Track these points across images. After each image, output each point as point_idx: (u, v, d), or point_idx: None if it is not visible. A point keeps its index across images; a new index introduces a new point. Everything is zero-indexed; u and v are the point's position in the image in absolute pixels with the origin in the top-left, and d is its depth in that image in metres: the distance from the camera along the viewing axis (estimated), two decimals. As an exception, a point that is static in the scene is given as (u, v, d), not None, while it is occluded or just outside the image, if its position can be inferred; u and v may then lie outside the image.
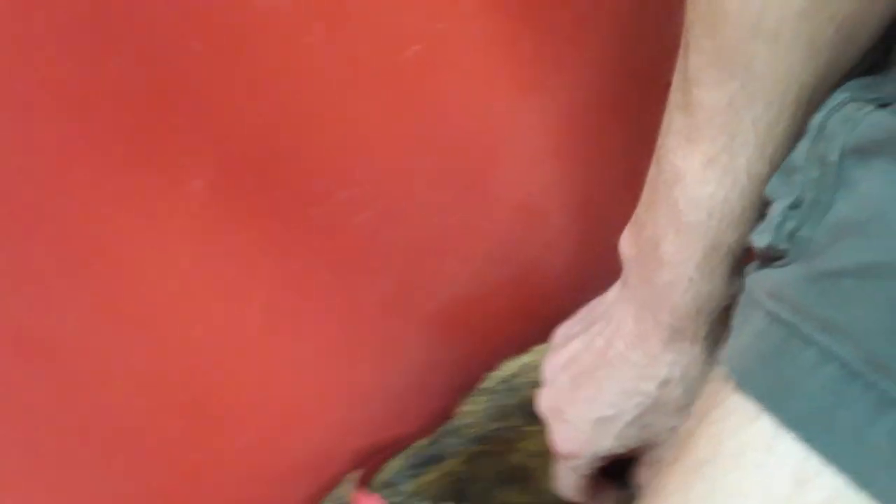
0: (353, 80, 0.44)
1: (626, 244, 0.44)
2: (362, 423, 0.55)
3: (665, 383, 0.43)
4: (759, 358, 0.28)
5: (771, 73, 0.32)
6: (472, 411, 0.54)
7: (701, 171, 0.36)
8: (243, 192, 0.43)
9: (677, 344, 0.42)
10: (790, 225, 0.32)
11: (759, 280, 0.33)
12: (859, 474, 0.24)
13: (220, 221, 0.43)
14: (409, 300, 0.54)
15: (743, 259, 0.40)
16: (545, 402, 0.48)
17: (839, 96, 0.32)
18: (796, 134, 0.34)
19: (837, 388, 0.25)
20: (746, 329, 0.31)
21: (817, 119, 0.32)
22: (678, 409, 0.44)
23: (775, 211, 0.33)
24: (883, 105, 0.30)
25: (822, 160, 0.31)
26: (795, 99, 0.33)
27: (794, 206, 0.32)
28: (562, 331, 0.51)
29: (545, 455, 0.50)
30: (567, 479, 0.49)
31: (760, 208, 0.37)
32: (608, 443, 0.45)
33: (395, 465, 0.52)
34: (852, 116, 0.30)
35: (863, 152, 0.29)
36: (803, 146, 0.32)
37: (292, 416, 0.52)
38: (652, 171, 0.40)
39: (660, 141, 0.38)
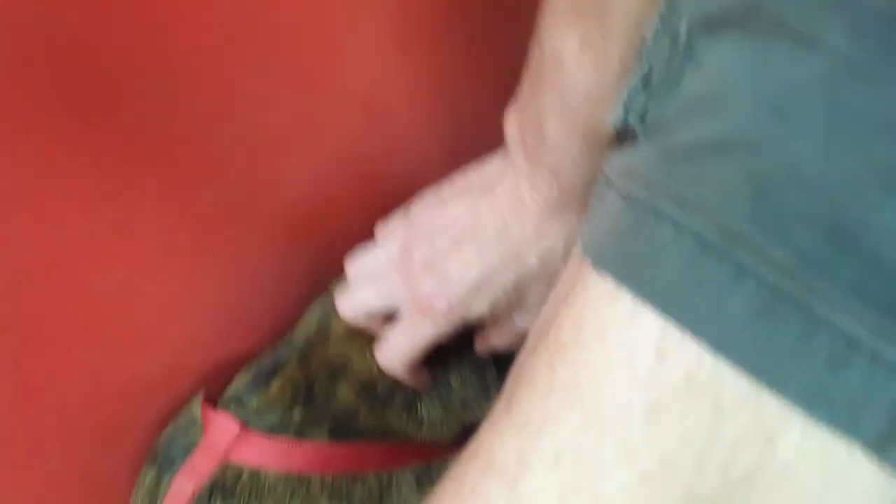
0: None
1: (511, 122, 0.44)
2: (210, 337, 0.52)
3: (547, 255, 0.45)
4: (615, 237, 0.28)
5: None
6: (308, 320, 0.52)
7: (577, 53, 0.36)
8: (35, 89, 0.37)
9: (563, 217, 0.44)
10: (639, 102, 0.31)
11: (612, 161, 0.32)
12: (717, 342, 0.24)
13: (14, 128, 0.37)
14: (250, 204, 0.51)
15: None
16: (419, 258, 0.48)
17: None
18: None
19: (694, 261, 0.25)
20: (601, 209, 0.30)
21: None
22: (552, 281, 0.44)
23: (625, 85, 0.32)
24: (729, -25, 0.30)
25: (672, 35, 0.30)
26: None
27: (644, 83, 0.31)
28: (427, 196, 0.51)
29: (355, 339, 0.50)
30: (400, 347, 0.49)
31: None
32: (480, 306, 0.46)
33: (241, 381, 0.50)
34: None
35: (711, 24, 0.29)
36: (655, 20, 0.31)
37: (133, 333, 0.48)
38: (535, 53, 0.39)
39: (541, 21, 0.38)
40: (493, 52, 0.60)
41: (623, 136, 0.33)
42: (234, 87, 0.45)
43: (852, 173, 0.24)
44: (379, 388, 0.50)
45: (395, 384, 0.50)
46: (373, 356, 0.50)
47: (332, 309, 0.51)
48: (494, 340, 0.51)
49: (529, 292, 0.47)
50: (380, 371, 0.49)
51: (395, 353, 0.49)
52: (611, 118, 0.33)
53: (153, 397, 0.50)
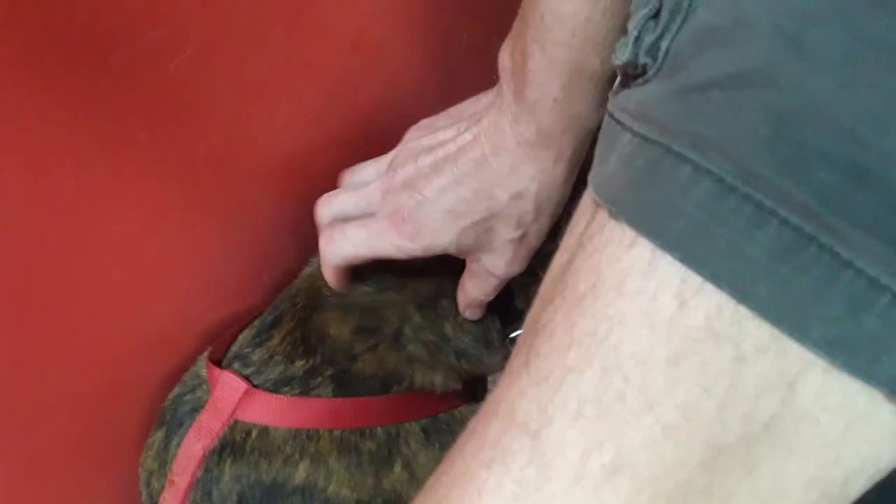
0: None
1: (504, 55, 0.43)
2: (211, 293, 0.52)
3: (518, 196, 0.44)
4: (630, 182, 0.27)
5: None
6: (308, 273, 0.52)
7: None
8: (25, 37, 0.35)
9: (539, 161, 0.43)
10: (649, 37, 0.30)
11: (621, 101, 0.31)
12: (738, 288, 0.24)
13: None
14: (245, 153, 0.49)
15: (611, 83, 0.39)
16: (400, 176, 0.47)
17: None
18: None
19: (712, 205, 0.24)
20: (612, 154, 0.29)
21: None
22: (521, 223, 0.45)
23: (633, 21, 0.31)
24: None
25: None
26: None
27: (652, 15, 0.30)
28: (424, 122, 0.51)
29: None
30: (352, 245, 0.48)
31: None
32: (447, 238, 0.46)
33: (244, 338, 0.50)
34: None
35: None
36: None
37: (131, 291, 0.47)
38: None
39: None
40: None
41: (628, 75, 0.32)
42: (223, 30, 0.43)
43: (872, 106, 0.23)
44: (368, 320, 0.50)
45: (381, 316, 0.50)
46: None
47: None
48: (470, 289, 0.51)
49: (496, 232, 0.46)
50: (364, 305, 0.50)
51: (345, 248, 0.48)
52: (617, 54, 0.32)
53: (157, 357, 0.50)
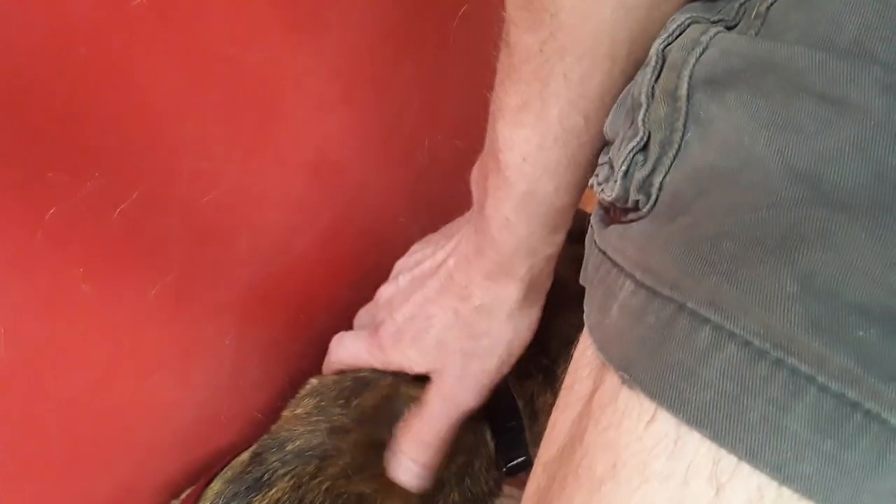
0: (89, 34, 0.33)
1: (474, 169, 0.43)
2: (175, 441, 0.47)
3: (476, 309, 0.44)
4: (642, 343, 0.24)
5: (580, 25, 0.30)
6: (297, 415, 0.47)
7: (516, 112, 0.35)
8: None
9: (497, 276, 0.42)
10: (639, 172, 0.28)
11: (614, 239, 0.28)
12: (780, 468, 0.21)
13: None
14: (202, 290, 0.46)
15: (568, 211, 0.39)
16: (384, 293, 0.50)
17: (679, 18, 0.27)
18: (616, 92, 0.33)
19: (740, 372, 0.22)
20: (614, 304, 0.27)
21: (657, 46, 0.27)
22: (474, 335, 0.45)
23: (620, 156, 0.28)
24: (729, 27, 0.27)
25: (670, 94, 0.27)
26: (609, 54, 0.31)
27: (641, 148, 0.28)
28: (427, 237, 0.52)
29: (384, 483, 0.45)
30: (346, 352, 0.50)
31: (588, 164, 0.36)
32: (413, 353, 0.46)
33: (216, 489, 0.45)
34: (697, 40, 0.26)
35: (715, 84, 0.25)
36: (643, 78, 0.28)
37: (89, 446, 0.42)
38: (492, 100, 0.38)
39: (497, 72, 0.37)
40: (444, 90, 0.56)
41: (618, 209, 0.29)
42: (173, 169, 0.40)
43: None
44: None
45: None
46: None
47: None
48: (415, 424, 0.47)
49: (450, 345, 0.46)
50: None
51: (340, 353, 0.50)
52: (603, 189, 0.29)
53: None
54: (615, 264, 0.27)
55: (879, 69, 0.22)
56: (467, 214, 0.48)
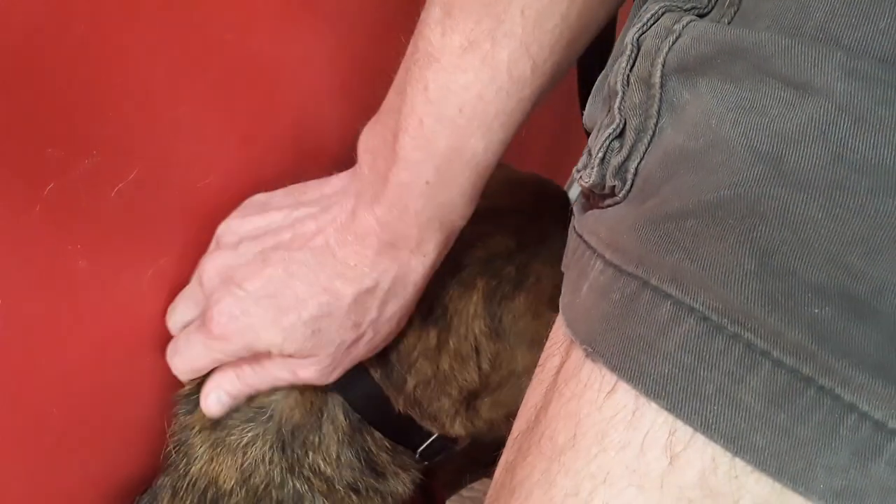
0: (89, 13, 0.34)
1: (367, 134, 0.38)
2: (166, 420, 0.48)
3: (366, 291, 0.39)
4: (606, 318, 0.25)
5: None
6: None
7: (459, 55, 0.32)
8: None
9: (396, 251, 0.38)
10: (615, 158, 0.28)
11: (590, 223, 0.29)
12: (733, 439, 0.22)
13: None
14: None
15: (486, 177, 0.36)
16: (214, 265, 0.42)
17: (652, 7, 0.28)
18: (568, 43, 0.31)
19: (698, 346, 0.22)
20: (584, 283, 0.27)
21: (631, 35, 0.28)
22: (358, 325, 0.40)
23: (597, 143, 0.29)
24: (702, 15, 0.27)
25: (644, 82, 0.27)
26: None
27: (617, 135, 0.28)
28: (259, 197, 0.45)
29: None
30: (188, 360, 0.43)
31: (519, 124, 0.34)
32: (271, 336, 0.39)
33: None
34: (671, 29, 0.27)
35: (687, 70, 0.26)
36: (619, 66, 0.29)
37: (83, 422, 0.43)
38: (409, 50, 0.35)
39: (423, 14, 0.34)
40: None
41: (595, 195, 0.30)
42: (172, 149, 0.41)
43: (862, 233, 0.21)
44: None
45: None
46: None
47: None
48: (250, 377, 0.43)
49: (325, 333, 0.39)
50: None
51: (181, 363, 0.43)
52: (582, 175, 0.30)
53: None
54: (588, 246, 0.28)
55: (843, 54, 0.22)
56: (330, 180, 0.43)
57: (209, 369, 0.43)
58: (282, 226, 0.41)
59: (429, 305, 0.43)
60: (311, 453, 0.44)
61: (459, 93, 0.32)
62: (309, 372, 0.41)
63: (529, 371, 0.43)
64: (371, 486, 0.46)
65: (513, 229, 0.45)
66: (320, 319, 0.38)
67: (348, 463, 0.45)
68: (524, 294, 0.44)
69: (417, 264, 0.38)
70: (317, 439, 0.44)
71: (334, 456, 0.45)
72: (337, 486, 0.45)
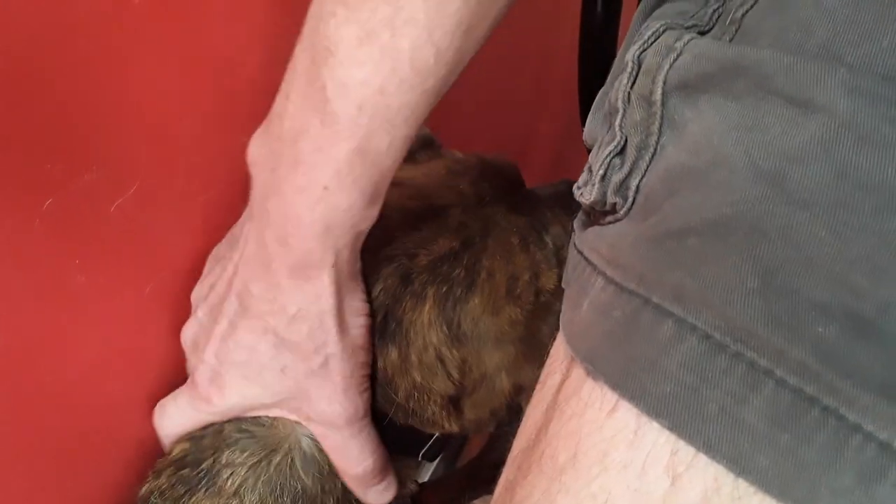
0: (90, 28, 0.34)
1: (256, 144, 0.36)
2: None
3: (294, 318, 0.37)
4: (607, 336, 0.25)
5: None
6: None
7: (356, 47, 0.30)
8: None
9: (303, 271, 0.36)
10: (616, 175, 0.28)
11: (591, 240, 0.29)
12: (736, 460, 0.21)
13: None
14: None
15: (389, 175, 0.35)
16: (187, 334, 0.42)
17: (653, 25, 0.28)
18: (469, 28, 0.30)
19: (699, 365, 0.22)
20: (585, 300, 0.27)
21: (632, 53, 0.28)
22: (315, 347, 0.38)
23: (598, 160, 0.29)
24: (703, 33, 0.27)
25: (645, 99, 0.27)
26: None
27: (618, 152, 0.28)
28: (213, 251, 0.44)
29: None
30: (176, 423, 0.42)
31: (422, 118, 0.32)
32: (250, 392, 0.39)
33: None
34: (672, 46, 0.27)
35: (688, 88, 0.26)
36: (620, 84, 0.29)
37: (79, 439, 0.43)
38: (300, 44, 0.33)
39: (313, 6, 0.32)
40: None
41: (596, 212, 0.30)
42: (171, 166, 0.41)
43: (866, 252, 0.21)
44: None
45: None
46: None
47: None
48: (342, 464, 0.42)
49: (292, 368, 0.38)
50: None
51: (168, 426, 0.43)
52: (582, 192, 0.30)
53: None
54: (589, 263, 0.28)
55: (846, 72, 0.22)
56: (243, 216, 0.41)
57: (189, 432, 0.43)
58: (220, 278, 0.40)
59: (384, 320, 0.42)
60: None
61: (358, 89, 0.30)
62: (330, 410, 0.40)
63: (500, 369, 0.43)
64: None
65: (455, 227, 0.44)
66: (280, 356, 0.38)
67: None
68: (478, 294, 0.43)
69: (328, 278, 0.36)
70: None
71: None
72: None
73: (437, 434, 0.47)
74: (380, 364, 0.43)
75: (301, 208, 0.33)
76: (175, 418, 0.42)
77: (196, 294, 0.42)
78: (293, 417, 0.41)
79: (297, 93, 0.32)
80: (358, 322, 0.39)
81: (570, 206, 0.45)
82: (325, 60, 0.30)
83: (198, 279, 0.45)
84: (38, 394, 0.40)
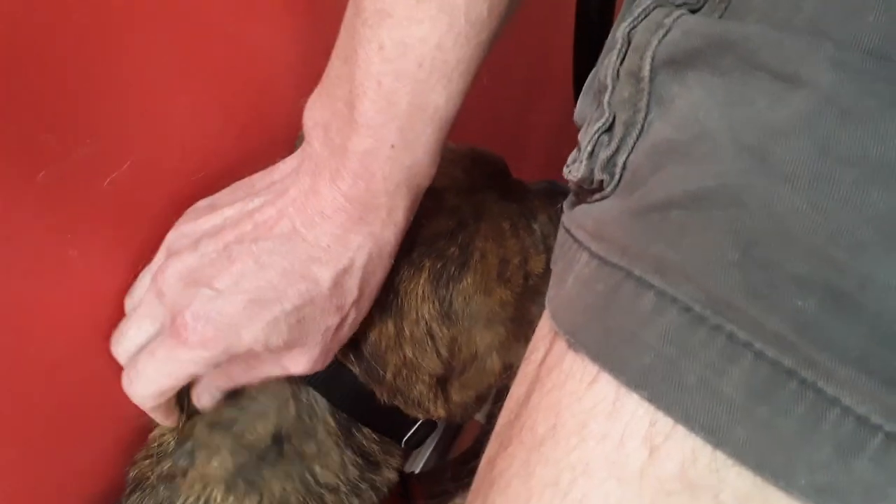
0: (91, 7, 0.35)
1: (314, 109, 0.37)
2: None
3: (343, 271, 0.37)
4: (589, 309, 0.25)
5: None
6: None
7: (414, 6, 0.31)
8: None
9: (368, 226, 0.37)
10: (604, 152, 0.28)
11: (578, 217, 0.29)
12: (714, 431, 0.21)
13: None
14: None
15: (448, 130, 0.35)
16: (175, 271, 0.38)
17: (644, 2, 0.28)
18: None
19: (679, 336, 0.22)
20: (570, 276, 0.27)
21: (622, 30, 0.28)
22: (341, 307, 0.38)
23: (586, 137, 0.29)
24: (693, 10, 0.27)
25: (633, 76, 0.27)
26: None
27: (606, 129, 0.28)
28: (202, 202, 0.42)
29: None
30: (153, 380, 0.39)
31: (476, 71, 0.34)
32: (252, 334, 0.37)
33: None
34: (661, 23, 0.27)
35: (676, 64, 0.26)
36: (609, 61, 0.29)
37: (70, 412, 0.43)
38: (349, 14, 0.34)
39: None
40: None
41: (584, 189, 0.30)
42: (165, 142, 0.41)
43: (847, 226, 0.21)
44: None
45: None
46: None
47: None
48: (239, 377, 0.41)
49: (310, 321, 0.38)
50: None
51: (147, 387, 0.39)
52: (570, 170, 0.30)
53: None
54: (575, 239, 0.28)
55: (832, 46, 0.22)
56: (279, 166, 0.41)
57: (177, 389, 0.40)
58: (240, 218, 0.38)
59: (384, 291, 0.42)
60: (317, 467, 0.44)
61: (417, 46, 0.31)
62: (300, 364, 0.39)
63: (492, 349, 0.44)
64: (370, 480, 0.46)
65: (450, 208, 0.45)
66: (303, 308, 0.37)
67: (352, 462, 0.45)
68: (471, 273, 0.43)
69: (390, 235, 0.37)
70: (315, 448, 0.44)
71: (338, 462, 0.44)
72: (342, 492, 0.45)
73: (421, 419, 0.47)
74: (372, 338, 0.43)
75: (372, 167, 0.35)
76: (152, 378, 0.38)
77: (184, 233, 0.40)
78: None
79: (352, 56, 0.33)
80: (377, 288, 0.40)
81: (555, 200, 0.47)
82: (382, 21, 0.31)
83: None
84: (28, 367, 0.40)
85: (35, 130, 0.35)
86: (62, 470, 0.45)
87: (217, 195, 0.42)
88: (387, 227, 0.37)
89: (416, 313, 0.42)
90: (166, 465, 0.44)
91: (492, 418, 0.47)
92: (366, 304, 0.40)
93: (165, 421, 0.43)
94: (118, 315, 0.44)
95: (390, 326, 0.43)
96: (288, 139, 0.48)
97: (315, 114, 0.37)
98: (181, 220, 0.41)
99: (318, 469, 0.44)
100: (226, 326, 0.36)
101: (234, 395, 0.44)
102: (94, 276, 0.41)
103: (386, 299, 0.42)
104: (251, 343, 0.37)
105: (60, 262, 0.39)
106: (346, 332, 0.40)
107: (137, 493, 0.45)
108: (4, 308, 0.37)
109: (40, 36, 0.34)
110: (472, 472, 0.47)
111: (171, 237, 0.41)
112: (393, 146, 0.34)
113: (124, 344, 0.41)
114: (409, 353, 0.43)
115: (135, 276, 0.43)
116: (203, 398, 0.43)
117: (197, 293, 0.37)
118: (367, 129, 0.34)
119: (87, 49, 0.36)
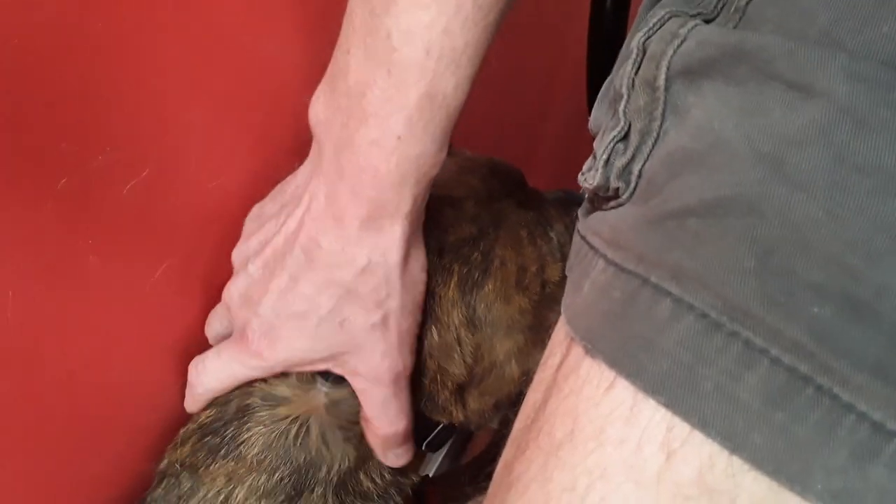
0: (107, 12, 0.35)
1: (320, 106, 0.37)
2: (170, 422, 0.48)
3: (364, 271, 0.38)
4: (606, 316, 0.25)
5: None
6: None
7: None
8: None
9: (376, 222, 0.37)
10: (619, 160, 0.28)
11: (594, 224, 0.29)
12: (731, 437, 0.22)
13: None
14: (207, 273, 0.47)
15: (455, 118, 0.35)
16: (235, 290, 0.41)
17: (659, 12, 0.28)
18: None
19: (697, 343, 0.22)
20: (586, 282, 0.27)
21: (637, 40, 0.28)
22: (377, 303, 0.39)
23: (601, 145, 0.29)
24: (708, 20, 0.28)
25: (649, 85, 0.28)
26: None
27: (621, 137, 0.29)
28: (254, 211, 0.44)
29: None
30: (215, 378, 0.42)
31: (483, 55, 0.33)
32: (303, 345, 0.39)
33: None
34: (676, 33, 0.27)
35: (691, 74, 0.26)
36: (625, 70, 0.29)
37: (85, 419, 0.43)
38: (352, 5, 0.34)
39: None
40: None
41: (599, 197, 0.30)
42: (183, 151, 0.42)
43: (862, 234, 0.22)
44: None
45: None
46: None
47: None
48: (373, 419, 0.42)
49: (351, 322, 0.39)
50: None
51: (209, 381, 0.43)
52: (585, 177, 0.30)
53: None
54: (591, 247, 0.28)
55: (846, 57, 0.23)
56: (300, 172, 0.42)
57: (234, 387, 0.43)
58: (275, 232, 0.40)
59: (427, 296, 0.43)
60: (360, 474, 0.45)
61: (424, 32, 0.31)
62: (381, 365, 0.40)
63: (511, 356, 0.44)
64: (399, 484, 0.47)
65: (470, 216, 0.45)
66: (341, 309, 0.38)
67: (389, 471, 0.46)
68: (492, 280, 0.44)
69: (400, 228, 0.37)
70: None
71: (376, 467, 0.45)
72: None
73: (442, 423, 0.47)
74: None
75: (376, 160, 0.34)
76: (217, 373, 0.42)
77: (240, 252, 0.43)
78: (339, 371, 0.41)
79: (358, 46, 0.33)
80: (420, 278, 0.40)
81: (570, 209, 0.48)
82: (388, 9, 0.31)
83: (207, 263, 0.46)
84: (48, 375, 0.41)
85: (56, 140, 0.36)
86: (78, 476, 0.45)
87: (262, 204, 0.44)
88: (397, 221, 0.37)
89: (448, 317, 0.43)
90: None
91: (505, 423, 0.47)
92: (404, 298, 0.39)
93: (196, 410, 0.45)
94: (137, 319, 0.44)
95: (434, 334, 0.43)
96: (301, 150, 0.49)
97: (318, 110, 0.37)
98: (243, 230, 0.44)
99: (361, 476, 0.45)
100: (279, 341, 0.39)
101: None
102: (114, 282, 0.42)
103: (428, 305, 0.43)
104: (305, 354, 0.40)
105: (81, 267, 0.39)
106: (401, 323, 0.40)
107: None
108: (26, 313, 0.38)
109: (61, 49, 0.34)
110: (489, 476, 0.48)
111: (234, 255, 0.43)
112: (399, 137, 0.34)
113: (211, 329, 0.45)
114: (443, 360, 0.43)
115: (153, 281, 0.44)
116: None
117: (251, 312, 0.40)
118: (373, 121, 0.34)
119: (106, 61, 0.36)
